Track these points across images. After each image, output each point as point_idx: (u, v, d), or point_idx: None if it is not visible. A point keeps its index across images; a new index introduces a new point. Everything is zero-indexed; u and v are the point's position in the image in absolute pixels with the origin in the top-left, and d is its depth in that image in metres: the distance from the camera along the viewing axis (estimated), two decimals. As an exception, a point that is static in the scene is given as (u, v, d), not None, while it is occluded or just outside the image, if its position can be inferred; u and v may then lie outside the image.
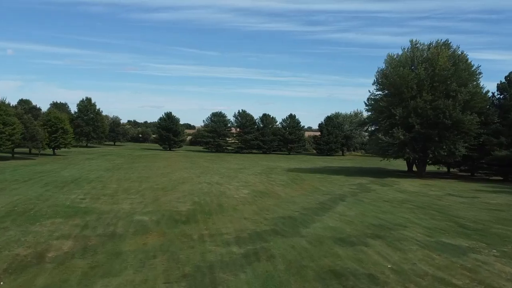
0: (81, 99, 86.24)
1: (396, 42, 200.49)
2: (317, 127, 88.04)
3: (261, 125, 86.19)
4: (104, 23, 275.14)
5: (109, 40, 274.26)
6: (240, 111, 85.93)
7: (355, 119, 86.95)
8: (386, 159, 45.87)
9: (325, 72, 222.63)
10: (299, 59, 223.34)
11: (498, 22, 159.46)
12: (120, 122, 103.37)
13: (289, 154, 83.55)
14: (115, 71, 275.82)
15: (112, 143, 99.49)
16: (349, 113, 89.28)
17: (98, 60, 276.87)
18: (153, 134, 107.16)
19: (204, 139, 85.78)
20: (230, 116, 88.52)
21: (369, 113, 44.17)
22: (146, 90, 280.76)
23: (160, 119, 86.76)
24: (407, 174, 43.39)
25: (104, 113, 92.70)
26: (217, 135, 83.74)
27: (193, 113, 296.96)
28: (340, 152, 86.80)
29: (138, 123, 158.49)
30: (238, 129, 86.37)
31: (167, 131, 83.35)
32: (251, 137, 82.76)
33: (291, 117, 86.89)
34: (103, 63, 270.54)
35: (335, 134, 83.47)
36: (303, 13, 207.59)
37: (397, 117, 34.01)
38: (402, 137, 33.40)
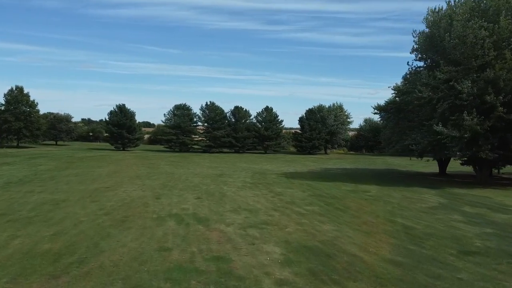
0: (10, 88, 69.77)
1: (355, 43, 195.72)
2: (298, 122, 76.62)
3: (233, 120, 73.60)
4: (60, 18, 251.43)
5: (65, 36, 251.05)
6: (208, 103, 72.90)
7: (339, 113, 76.45)
8: (414, 158, 35.23)
9: (286, 71, 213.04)
10: (261, 58, 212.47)
11: None
12: (70, 119, 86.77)
13: (265, 153, 71.59)
14: (72, 69, 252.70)
15: (54, 142, 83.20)
16: (332, 105, 78.43)
17: (53, 57, 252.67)
18: (106, 132, 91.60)
19: (165, 136, 71.90)
20: (196, 110, 75.29)
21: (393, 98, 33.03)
22: (104, 88, 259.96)
23: (111, 113, 71.70)
24: (450, 179, 32.41)
25: (55, 111, 77.53)
26: (181, 132, 70.20)
27: (154, 112, 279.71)
28: (323, 150, 75.91)
29: (93, 121, 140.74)
30: (206, 125, 73.30)
31: (119, 128, 68.74)
32: (222, 134, 69.98)
33: (267, 110, 74.78)
34: (58, 60, 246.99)
35: (319, 129, 72.40)
36: (265, 12, 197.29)
37: (463, 94, 22.40)
38: (477, 127, 21.87)
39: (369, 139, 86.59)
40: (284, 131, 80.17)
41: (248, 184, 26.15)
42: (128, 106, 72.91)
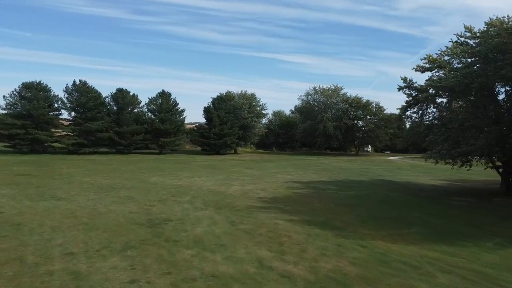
0: None
1: (224, 40, 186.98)
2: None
3: (115, 108, 52.86)
4: None
5: None
6: (78, 81, 50.56)
7: (253, 102, 62.11)
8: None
9: (154, 63, 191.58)
10: (127, 48, 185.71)
11: (306, 30, 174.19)
12: None
13: (160, 153, 53.02)
14: None
15: None
16: (243, 92, 63.47)
17: None
18: None
19: (6, 130, 47.15)
20: (59, 91, 51.85)
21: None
22: None
23: None
24: None
25: None
26: (34, 123, 46.70)
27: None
28: (233, 148, 60.66)
29: None
30: (73, 114, 50.96)
31: None
32: (98, 127, 48.91)
33: (164, 96, 55.98)
34: None
35: (231, 123, 56.85)
36: (132, 0, 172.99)
37: None
38: None
39: (279, 136, 74.74)
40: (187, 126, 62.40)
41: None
42: None
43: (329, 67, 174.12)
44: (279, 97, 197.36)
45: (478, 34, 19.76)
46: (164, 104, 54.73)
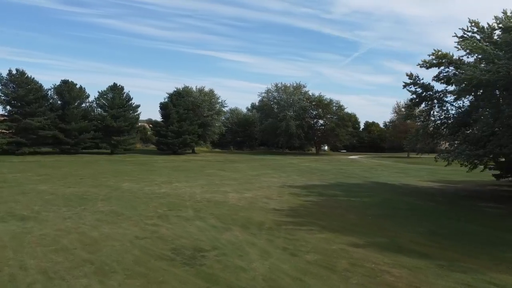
0: None
1: (163, 36, 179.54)
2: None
3: (60, 102, 46.70)
4: None
5: None
6: (15, 71, 43.68)
7: (213, 98, 58.68)
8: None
9: (87, 57, 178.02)
10: (58, 40, 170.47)
11: (246, 29, 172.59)
12: None
13: (112, 153, 47.82)
14: None
15: None
16: (200, 88, 59.55)
17: None
18: None
19: None
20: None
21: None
22: None
23: None
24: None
25: None
26: (-41, 119, 39.50)
27: None
28: (191, 148, 56.76)
29: None
30: (8, 108, 44.07)
31: None
32: (40, 124, 42.71)
33: (116, 89, 50.57)
34: None
35: (190, 120, 52.97)
36: None
37: None
38: None
39: (237, 134, 71.80)
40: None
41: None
42: None
43: (268, 66, 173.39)
44: (220, 96, 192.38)
45: (501, 25, 18.40)
46: (117, 99, 49.38)
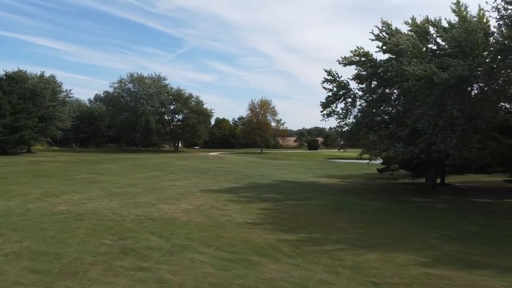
0: None
1: None
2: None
3: None
4: None
5: None
6: None
7: (56, 87, 48.97)
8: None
9: None
10: None
11: (59, 12, 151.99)
12: None
13: None
14: None
15: None
16: (40, 73, 48.50)
17: None
18: None
19: None
20: None
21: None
22: None
23: None
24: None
25: None
26: None
27: None
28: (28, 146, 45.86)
29: None
30: None
31: None
32: None
33: None
34: None
35: (28, 111, 42.64)
36: None
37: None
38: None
39: (81, 130, 61.77)
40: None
41: None
42: None
43: (87, 56, 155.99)
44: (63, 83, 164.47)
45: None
46: None
